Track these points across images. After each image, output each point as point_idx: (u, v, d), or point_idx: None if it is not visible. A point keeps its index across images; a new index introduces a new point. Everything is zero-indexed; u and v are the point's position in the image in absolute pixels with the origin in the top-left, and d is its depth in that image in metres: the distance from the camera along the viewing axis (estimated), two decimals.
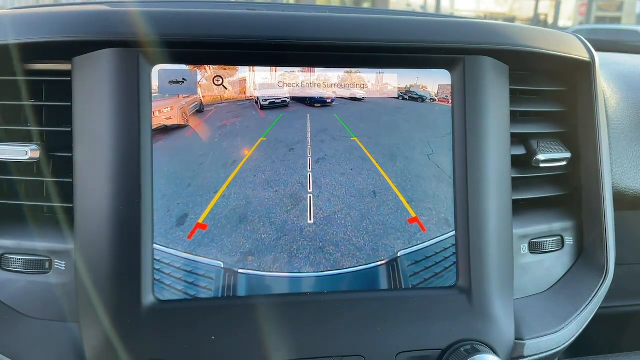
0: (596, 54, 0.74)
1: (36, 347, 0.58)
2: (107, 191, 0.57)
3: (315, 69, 0.62)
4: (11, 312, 0.60)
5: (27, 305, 0.60)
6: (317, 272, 0.61)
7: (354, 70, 0.63)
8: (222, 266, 0.59)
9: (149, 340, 0.56)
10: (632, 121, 0.84)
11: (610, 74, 0.89)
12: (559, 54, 0.69)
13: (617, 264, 1.02)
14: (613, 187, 0.78)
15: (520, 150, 0.71)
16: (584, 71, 0.73)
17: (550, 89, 0.74)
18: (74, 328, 0.58)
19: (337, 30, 0.61)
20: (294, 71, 0.62)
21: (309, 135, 0.62)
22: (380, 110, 0.63)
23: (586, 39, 0.79)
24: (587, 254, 0.73)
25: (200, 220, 0.59)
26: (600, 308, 1.08)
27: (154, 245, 0.57)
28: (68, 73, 0.60)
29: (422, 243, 0.63)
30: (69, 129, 0.59)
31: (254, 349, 0.57)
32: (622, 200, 0.81)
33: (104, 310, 0.57)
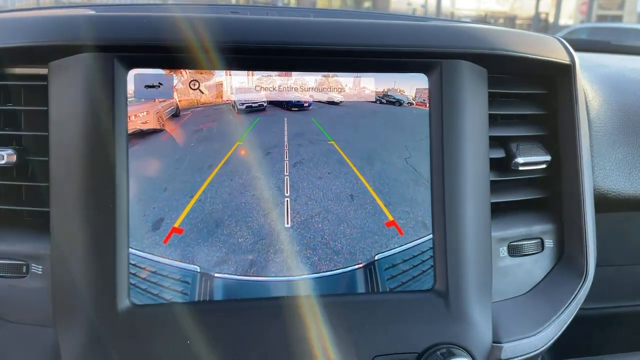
0: (577, 57, 0.74)
1: (12, 351, 0.58)
2: (82, 196, 0.57)
3: (293, 73, 0.62)
4: None
5: (3, 309, 0.60)
6: (294, 276, 0.61)
7: (331, 74, 0.63)
8: (199, 270, 0.59)
9: (125, 344, 0.56)
10: (615, 124, 0.83)
11: (594, 76, 0.89)
12: (539, 57, 0.69)
13: (605, 265, 1.02)
14: (595, 190, 0.78)
15: (499, 154, 0.71)
16: (564, 74, 0.73)
17: (530, 92, 0.74)
18: (51, 332, 0.59)
19: (315, 35, 0.61)
20: (271, 75, 0.62)
21: (286, 139, 0.62)
22: (358, 114, 0.63)
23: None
24: (567, 257, 0.73)
25: (176, 225, 0.59)
26: (589, 309, 1.08)
27: (130, 249, 0.58)
28: (45, 77, 0.60)
29: (400, 246, 0.63)
30: (46, 134, 0.60)
31: (228, 353, 0.57)
32: (604, 202, 0.80)
33: (79, 315, 0.57)
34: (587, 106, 0.80)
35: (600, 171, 0.80)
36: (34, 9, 0.74)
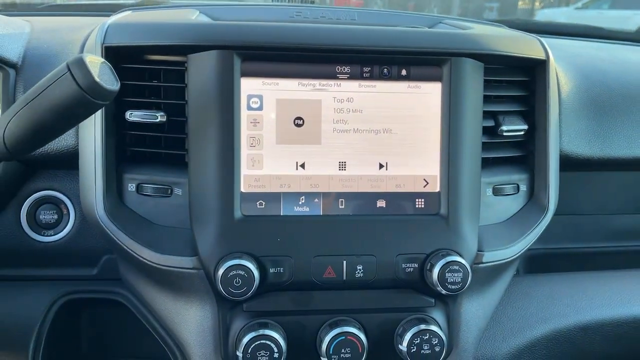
0: (551, 53, 1.02)
1: (165, 243, 0.89)
2: (211, 142, 0.87)
3: None
4: (146, 221, 0.91)
5: (157, 217, 0.91)
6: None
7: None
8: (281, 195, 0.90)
9: (238, 240, 0.87)
10: (581, 103, 1.12)
11: (568, 65, 1.16)
12: (521, 55, 0.97)
13: (575, 214, 1.34)
14: (562, 151, 1.07)
15: (490, 123, 0.99)
16: (540, 66, 1.01)
17: (515, 78, 1.02)
18: (188, 232, 0.90)
19: (367, 39, 0.89)
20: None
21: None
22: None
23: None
24: (535, 198, 1.03)
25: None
26: (563, 248, 1.38)
27: (241, 180, 0.88)
28: (182, 63, 0.90)
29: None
30: (184, 102, 0.90)
31: (306, 246, 0.88)
32: (569, 161, 1.09)
33: (209, 221, 0.87)
34: (559, 89, 1.09)
35: (566, 138, 1.09)
36: (155, 8, 1.03)
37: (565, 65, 1.16)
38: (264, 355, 0.84)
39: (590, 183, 1.31)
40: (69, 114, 0.72)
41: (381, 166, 0.92)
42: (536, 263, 1.30)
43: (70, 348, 1.04)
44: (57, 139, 0.94)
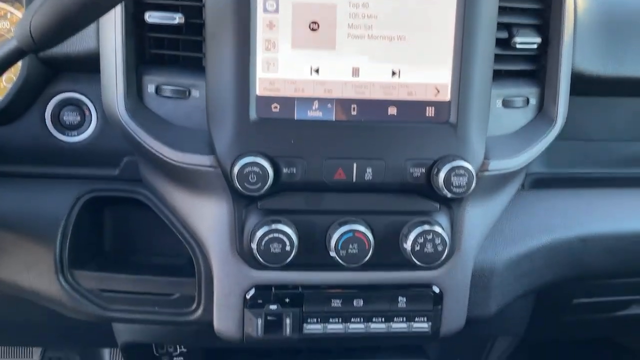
0: None
1: (184, 142, 0.93)
2: (228, 44, 0.89)
3: None
4: (166, 122, 0.95)
5: (175, 118, 0.95)
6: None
7: None
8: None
9: (253, 140, 0.91)
10: (597, 21, 1.11)
11: None
12: None
13: (585, 140, 1.35)
14: (575, 69, 1.08)
15: (504, 35, 1.00)
16: None
17: None
18: (205, 133, 0.93)
19: None
20: None
21: None
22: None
23: None
24: (544, 111, 1.05)
25: None
26: (572, 173, 1.40)
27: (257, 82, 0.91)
28: None
29: None
30: (202, 4, 0.91)
31: (318, 149, 0.92)
32: (582, 80, 1.10)
33: (225, 122, 0.91)
34: (576, 5, 1.08)
35: (579, 55, 1.09)
36: None
37: None
38: (276, 248, 0.90)
39: (601, 109, 1.31)
40: (91, 3, 0.74)
41: (394, 73, 0.94)
42: (544, 186, 1.33)
43: (94, 242, 1.11)
44: (78, 41, 0.97)
